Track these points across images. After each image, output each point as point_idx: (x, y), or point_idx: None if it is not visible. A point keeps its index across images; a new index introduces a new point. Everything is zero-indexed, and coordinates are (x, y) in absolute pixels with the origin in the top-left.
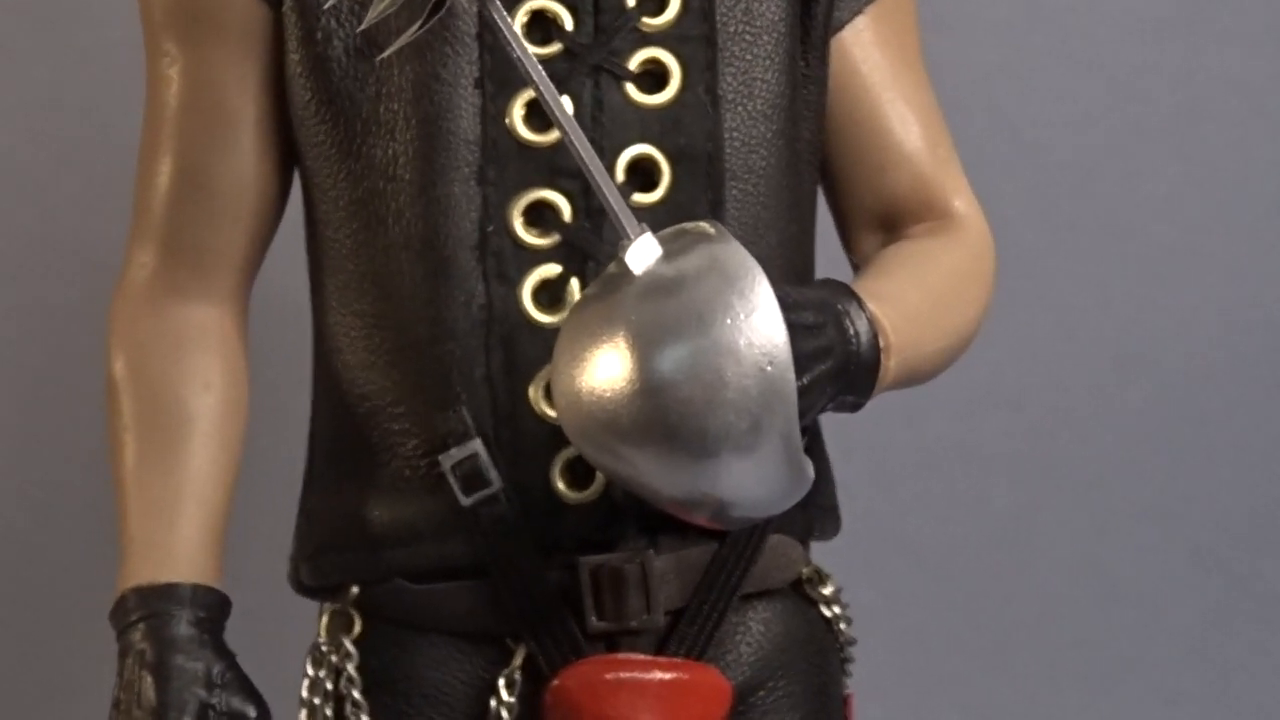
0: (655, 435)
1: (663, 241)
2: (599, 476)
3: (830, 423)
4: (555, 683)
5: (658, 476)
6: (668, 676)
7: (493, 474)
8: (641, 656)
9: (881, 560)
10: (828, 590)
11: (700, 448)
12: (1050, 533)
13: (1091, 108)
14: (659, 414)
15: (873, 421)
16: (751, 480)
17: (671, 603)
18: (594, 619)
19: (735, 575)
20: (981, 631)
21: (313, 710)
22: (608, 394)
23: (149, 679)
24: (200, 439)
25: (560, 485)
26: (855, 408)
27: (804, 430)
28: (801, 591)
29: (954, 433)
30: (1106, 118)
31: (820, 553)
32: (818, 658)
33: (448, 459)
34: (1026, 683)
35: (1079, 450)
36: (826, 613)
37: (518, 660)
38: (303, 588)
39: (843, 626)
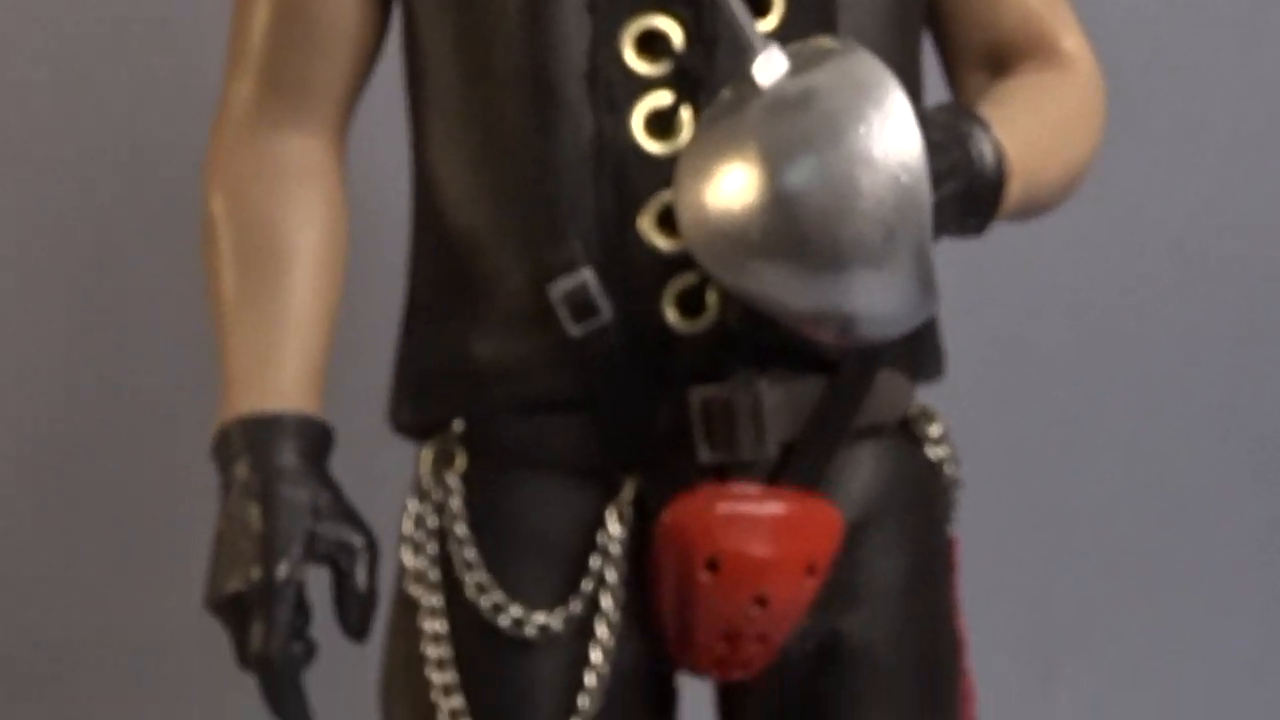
0: (786, 248)
1: (789, 56)
2: (711, 307)
3: None
4: (666, 516)
5: (787, 291)
6: (781, 509)
7: (602, 303)
8: (754, 489)
9: None
10: (935, 431)
11: (832, 259)
12: (1110, 433)
13: (1157, 4)
14: (790, 225)
15: None
16: (882, 294)
17: (783, 435)
18: (705, 451)
19: (848, 408)
20: (1037, 532)
21: (416, 546)
22: (736, 208)
23: (255, 509)
24: (301, 273)
25: (671, 316)
26: (979, 230)
27: None
28: (909, 431)
29: (1013, 330)
30: (1171, 15)
31: None
32: (925, 498)
33: (556, 289)
34: (1081, 584)
35: (1140, 350)
36: (932, 454)
37: (627, 494)
38: (403, 427)
39: (948, 469)
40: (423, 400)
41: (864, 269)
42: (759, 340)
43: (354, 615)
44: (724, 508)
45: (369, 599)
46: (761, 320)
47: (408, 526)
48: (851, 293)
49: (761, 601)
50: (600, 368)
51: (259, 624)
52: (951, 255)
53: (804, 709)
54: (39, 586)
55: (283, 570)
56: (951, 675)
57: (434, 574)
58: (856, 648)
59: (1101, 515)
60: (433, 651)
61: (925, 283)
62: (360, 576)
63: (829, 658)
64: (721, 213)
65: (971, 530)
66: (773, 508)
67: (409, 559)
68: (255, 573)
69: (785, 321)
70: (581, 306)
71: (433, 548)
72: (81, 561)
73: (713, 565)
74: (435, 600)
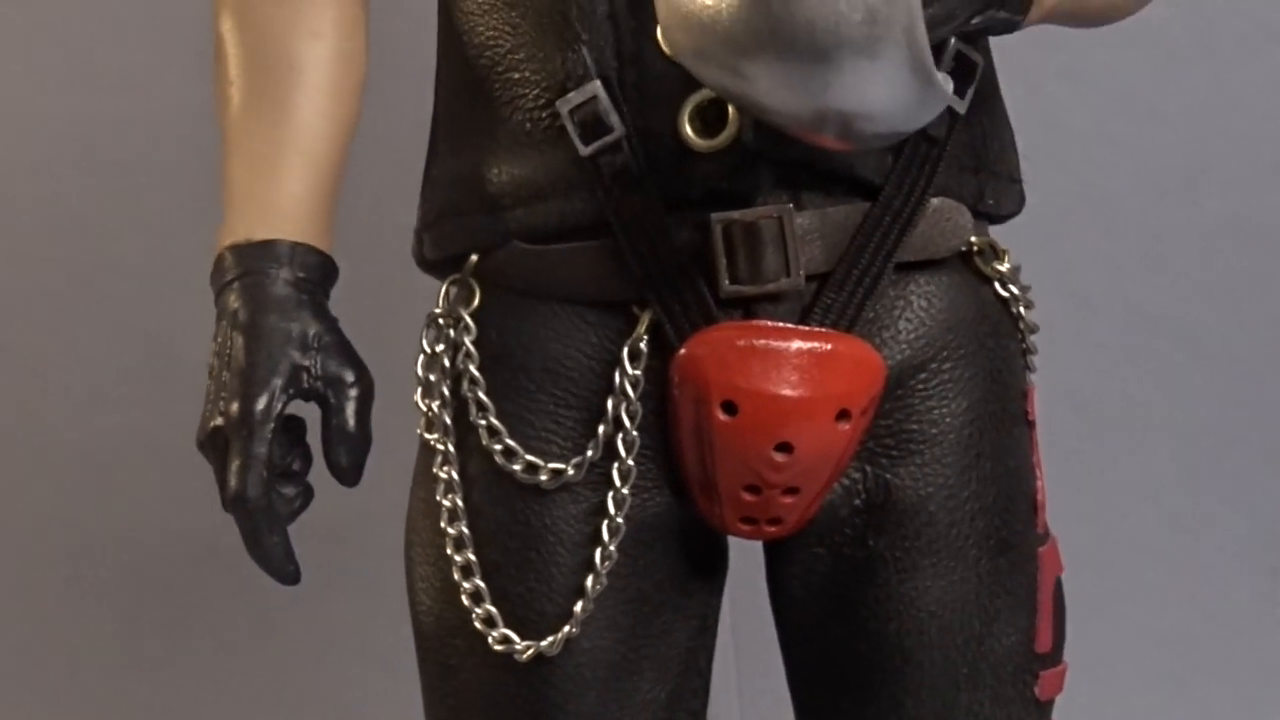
0: (763, 38)
1: None
2: (731, 121)
3: None
4: (682, 351)
5: (773, 89)
6: (807, 345)
7: (613, 118)
8: (779, 324)
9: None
10: (1004, 267)
11: (810, 45)
12: None
13: None
14: (765, 13)
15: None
16: (872, 85)
17: (815, 266)
18: (727, 282)
19: (890, 237)
20: (1260, 434)
21: (429, 387)
22: (711, 3)
23: (240, 340)
24: (307, 90)
25: (689, 131)
26: (1010, 27)
27: (948, 42)
28: (972, 266)
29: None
30: None
31: None
32: (990, 340)
33: (565, 104)
34: None
35: None
36: (1002, 292)
37: (642, 327)
38: (425, 263)
39: (1022, 310)
40: (440, 232)
41: (848, 57)
42: (784, 158)
43: (341, 456)
44: (744, 342)
45: (358, 439)
46: (780, 134)
47: (420, 366)
48: (840, 86)
49: (785, 448)
50: (613, 188)
51: (235, 460)
52: None
53: (856, 572)
54: None
55: (261, 403)
56: (1024, 535)
57: (448, 417)
58: (910, 502)
59: None
60: (447, 501)
61: (920, 73)
62: (349, 414)
63: (880, 514)
64: (698, 9)
65: (1194, 433)
66: (799, 344)
67: (422, 401)
68: (233, 406)
69: (787, 129)
70: (591, 123)
71: (446, 387)
72: None
73: (730, 406)
74: (449, 445)
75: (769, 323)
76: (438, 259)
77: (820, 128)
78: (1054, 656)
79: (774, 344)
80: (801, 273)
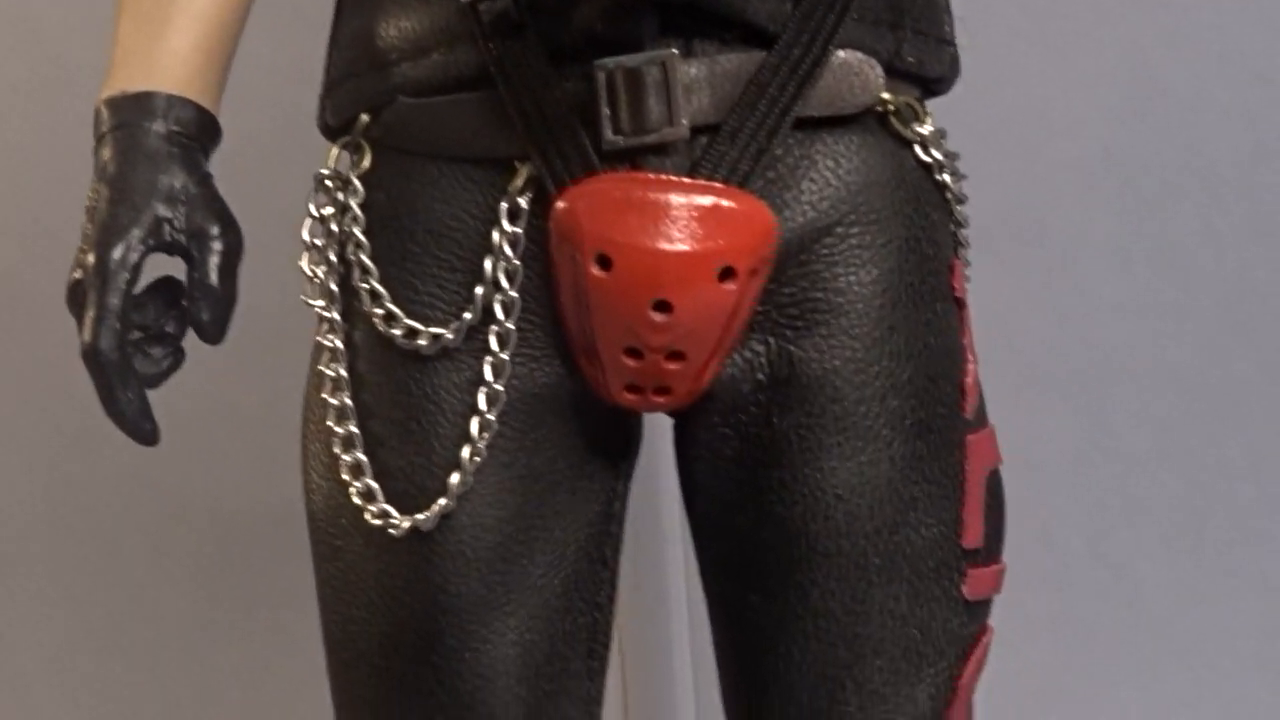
0: None
1: None
2: None
3: None
4: (558, 204)
5: None
6: (687, 198)
7: None
8: (659, 176)
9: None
10: (925, 129)
11: None
12: None
13: None
14: None
15: None
16: None
17: (704, 117)
18: (609, 133)
19: (787, 89)
20: None
21: (317, 253)
22: None
23: (105, 192)
24: None
25: None
26: None
27: None
28: (890, 128)
29: None
30: None
31: None
32: (908, 207)
33: None
34: None
35: None
36: (925, 157)
37: (519, 180)
38: (325, 129)
39: (948, 178)
40: (337, 96)
41: None
42: (668, 1)
43: (202, 310)
44: (621, 194)
45: (219, 295)
46: None
47: (306, 230)
48: None
49: (664, 306)
50: (494, 36)
51: (89, 311)
52: None
53: (762, 453)
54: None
55: (117, 253)
56: (947, 420)
57: (333, 284)
58: (814, 376)
59: None
60: (330, 370)
61: None
62: (211, 267)
63: (784, 389)
64: None
65: None
66: (678, 197)
67: (307, 266)
68: (89, 257)
69: None
70: None
71: (333, 255)
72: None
73: (604, 260)
74: (334, 313)
75: (649, 175)
76: (337, 125)
77: None
78: (986, 553)
79: (652, 195)
80: (685, 121)
